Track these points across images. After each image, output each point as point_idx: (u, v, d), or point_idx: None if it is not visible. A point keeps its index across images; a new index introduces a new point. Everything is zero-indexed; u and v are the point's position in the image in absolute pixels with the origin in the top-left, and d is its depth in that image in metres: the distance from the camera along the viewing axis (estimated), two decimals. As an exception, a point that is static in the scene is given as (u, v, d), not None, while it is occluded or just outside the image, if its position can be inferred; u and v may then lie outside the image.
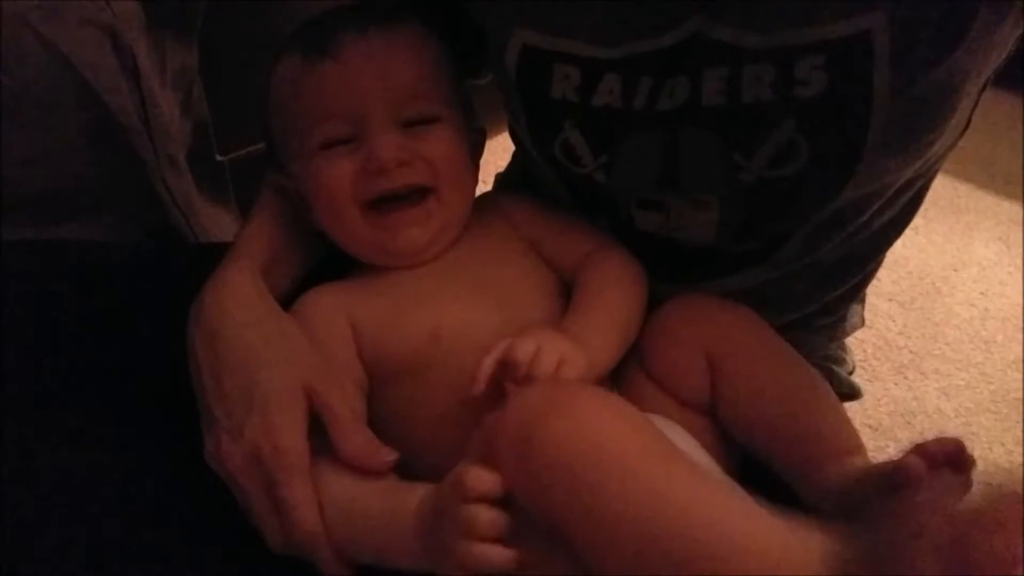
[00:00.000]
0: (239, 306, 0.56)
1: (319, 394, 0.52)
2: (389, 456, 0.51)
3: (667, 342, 0.58)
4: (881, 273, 0.75)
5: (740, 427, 0.56)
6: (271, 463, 0.50)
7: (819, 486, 0.51)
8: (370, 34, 0.59)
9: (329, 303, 0.59)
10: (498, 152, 0.82)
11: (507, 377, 0.50)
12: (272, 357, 0.53)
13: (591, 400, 0.45)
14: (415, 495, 0.48)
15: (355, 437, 0.52)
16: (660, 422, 0.55)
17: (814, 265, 0.64)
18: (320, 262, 0.65)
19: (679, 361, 0.57)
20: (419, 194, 0.59)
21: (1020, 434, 1.29)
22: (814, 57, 0.51)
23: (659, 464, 0.43)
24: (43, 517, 0.54)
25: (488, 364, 0.50)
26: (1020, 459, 1.26)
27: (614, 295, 0.60)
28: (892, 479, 0.44)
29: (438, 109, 0.60)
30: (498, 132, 0.78)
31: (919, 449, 0.45)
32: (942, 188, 1.80)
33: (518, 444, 0.43)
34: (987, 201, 1.79)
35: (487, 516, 0.43)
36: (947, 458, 0.45)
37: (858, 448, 0.53)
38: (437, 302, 0.59)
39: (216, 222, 0.85)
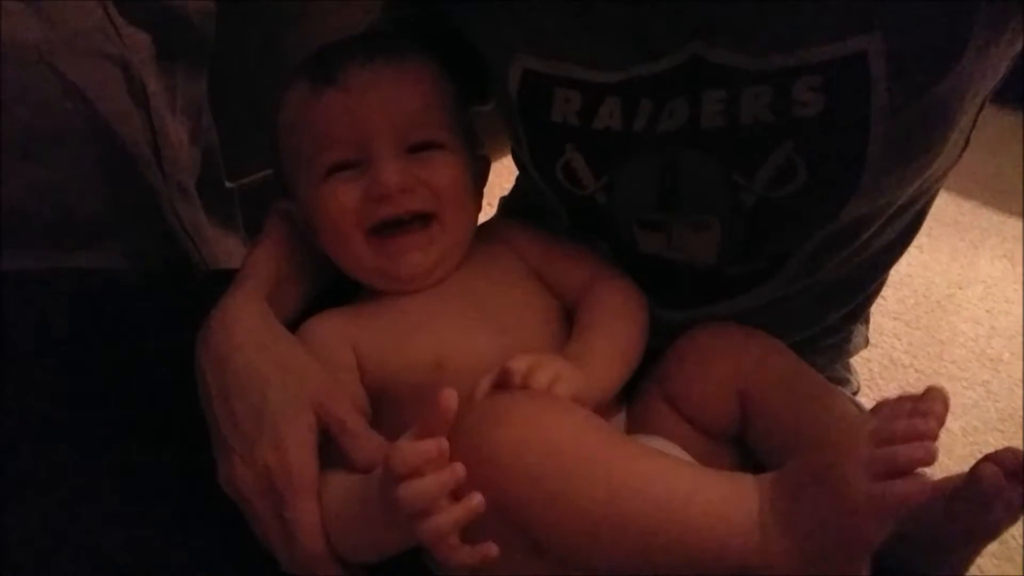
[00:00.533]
0: (245, 330, 0.56)
1: (327, 408, 0.52)
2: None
3: (696, 373, 0.58)
4: (886, 292, 0.75)
5: (770, 454, 0.57)
6: (279, 481, 0.50)
7: None
8: (376, 63, 0.60)
9: (332, 330, 0.60)
10: (503, 175, 0.83)
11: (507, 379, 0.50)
12: (279, 377, 0.53)
13: (536, 403, 0.47)
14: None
15: (367, 444, 0.52)
16: (659, 443, 0.56)
17: (815, 286, 0.64)
18: (328, 287, 0.66)
19: (708, 393, 0.58)
20: (422, 220, 0.60)
21: (1028, 452, 1.28)
22: (811, 78, 0.52)
23: (608, 450, 0.46)
24: (48, 545, 0.55)
25: (486, 383, 0.51)
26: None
27: (616, 322, 0.60)
28: (969, 490, 0.45)
29: (441, 136, 0.61)
30: (502, 155, 0.78)
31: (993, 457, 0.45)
32: (946, 206, 1.79)
33: (469, 452, 0.44)
34: (991, 219, 1.79)
35: (415, 489, 0.42)
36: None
37: None
38: (439, 328, 0.59)
39: (224, 248, 0.85)
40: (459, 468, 0.43)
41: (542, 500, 0.43)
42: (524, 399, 0.48)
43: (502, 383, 0.50)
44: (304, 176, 0.61)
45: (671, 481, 0.44)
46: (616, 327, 0.60)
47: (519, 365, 0.50)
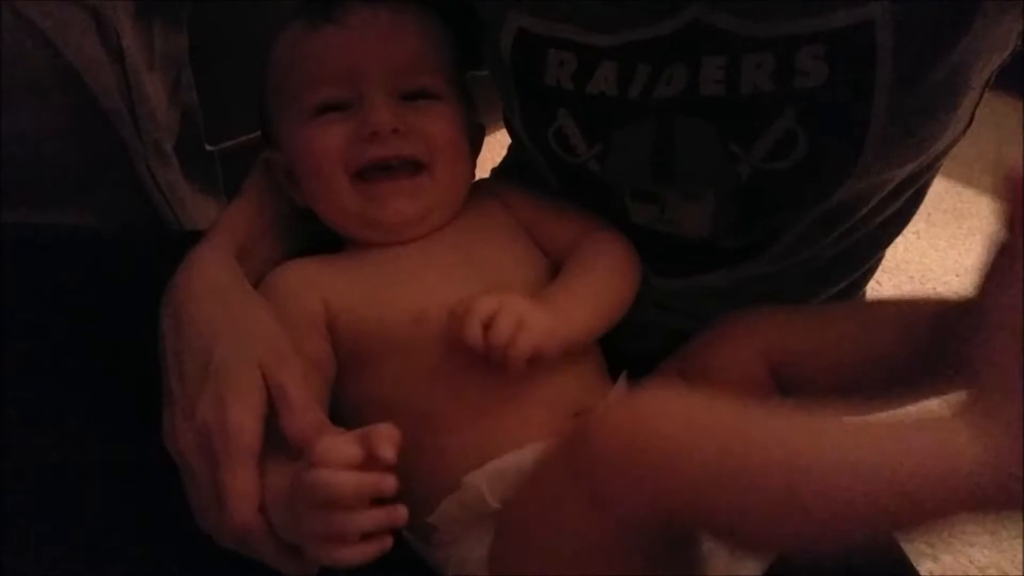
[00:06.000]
0: (204, 282, 0.54)
1: (272, 373, 0.49)
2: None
3: (720, 352, 0.57)
4: (882, 277, 0.73)
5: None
6: (218, 444, 0.47)
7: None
8: (377, 4, 0.59)
9: (301, 277, 0.57)
10: (495, 148, 0.81)
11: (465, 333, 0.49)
12: (231, 332, 0.51)
13: (664, 396, 0.43)
14: None
15: (302, 418, 0.48)
16: None
17: (811, 261, 0.63)
18: (307, 248, 0.63)
19: (733, 368, 0.56)
20: (412, 169, 0.58)
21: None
22: (815, 47, 0.50)
23: (760, 418, 0.40)
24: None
25: (476, 328, 0.49)
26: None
27: (599, 271, 0.59)
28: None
29: (438, 86, 0.60)
30: (495, 129, 0.76)
31: None
32: (945, 192, 1.78)
33: (621, 459, 0.39)
34: (991, 207, 1.77)
35: (331, 479, 0.40)
36: None
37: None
38: (423, 281, 0.57)
39: (204, 214, 0.83)
40: (390, 481, 0.40)
41: (712, 484, 0.38)
42: (653, 396, 0.44)
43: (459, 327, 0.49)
44: (290, 115, 0.59)
45: (852, 438, 0.39)
46: (598, 275, 0.59)
47: (483, 308, 0.49)
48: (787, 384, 0.56)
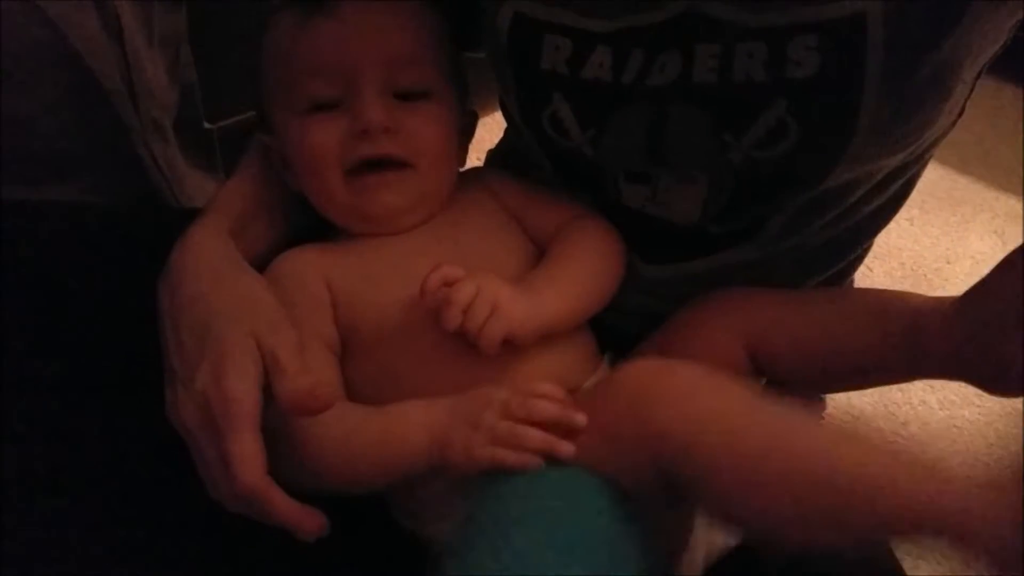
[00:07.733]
0: (199, 260, 0.55)
1: (265, 344, 0.50)
2: (329, 396, 0.50)
3: (698, 333, 0.59)
4: (874, 263, 0.74)
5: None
6: (218, 412, 0.48)
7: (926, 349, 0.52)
8: None
9: (307, 264, 0.59)
10: (493, 129, 0.81)
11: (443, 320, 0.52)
12: (226, 307, 0.52)
13: (686, 376, 0.48)
14: (415, 404, 0.52)
15: (294, 382, 0.49)
16: None
17: (797, 249, 0.64)
18: (302, 230, 0.64)
19: (710, 350, 0.57)
20: (399, 166, 0.59)
21: (1002, 428, 1.29)
22: (807, 37, 0.51)
23: (762, 401, 0.46)
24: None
25: (435, 280, 0.53)
26: (1001, 453, 1.26)
27: (581, 256, 0.60)
28: None
29: (432, 82, 0.60)
30: (493, 110, 0.77)
31: None
32: (939, 180, 1.79)
33: (635, 395, 0.47)
34: (984, 194, 1.78)
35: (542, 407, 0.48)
36: None
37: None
38: (413, 271, 0.57)
39: (203, 191, 0.84)
40: (581, 417, 0.48)
41: (703, 452, 0.44)
42: (673, 373, 0.49)
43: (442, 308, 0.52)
44: (285, 108, 0.60)
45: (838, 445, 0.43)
46: (579, 260, 0.60)
47: (462, 294, 0.51)
48: (763, 365, 0.57)
